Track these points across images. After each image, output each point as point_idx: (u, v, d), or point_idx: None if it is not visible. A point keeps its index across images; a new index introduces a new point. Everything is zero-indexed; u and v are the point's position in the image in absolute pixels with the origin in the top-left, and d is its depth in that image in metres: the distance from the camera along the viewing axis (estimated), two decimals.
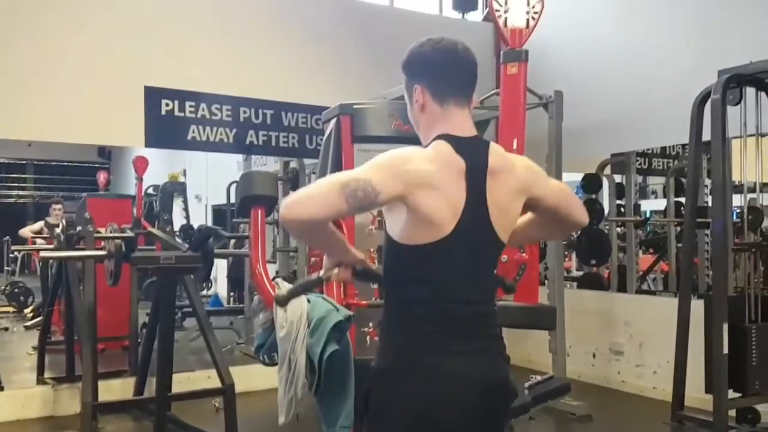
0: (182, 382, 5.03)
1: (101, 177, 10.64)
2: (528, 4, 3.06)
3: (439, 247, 1.64)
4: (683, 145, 8.22)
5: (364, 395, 1.70)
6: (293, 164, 6.60)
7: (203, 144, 5.86)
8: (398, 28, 6.68)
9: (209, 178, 11.39)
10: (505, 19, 3.01)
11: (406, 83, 1.80)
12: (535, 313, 2.93)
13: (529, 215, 1.87)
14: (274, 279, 2.45)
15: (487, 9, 7.40)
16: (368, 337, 2.53)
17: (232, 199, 10.36)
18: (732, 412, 4.43)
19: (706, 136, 4.74)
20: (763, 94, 4.51)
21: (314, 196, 1.54)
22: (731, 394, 4.32)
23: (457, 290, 1.69)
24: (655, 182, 10.35)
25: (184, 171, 11.97)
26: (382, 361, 1.70)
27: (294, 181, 6.46)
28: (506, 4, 3.06)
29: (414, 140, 2.67)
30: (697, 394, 4.73)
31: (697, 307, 4.75)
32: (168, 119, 5.66)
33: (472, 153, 1.69)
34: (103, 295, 4.77)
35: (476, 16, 7.52)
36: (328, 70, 6.33)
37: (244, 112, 6.01)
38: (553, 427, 4.84)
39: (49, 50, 5.31)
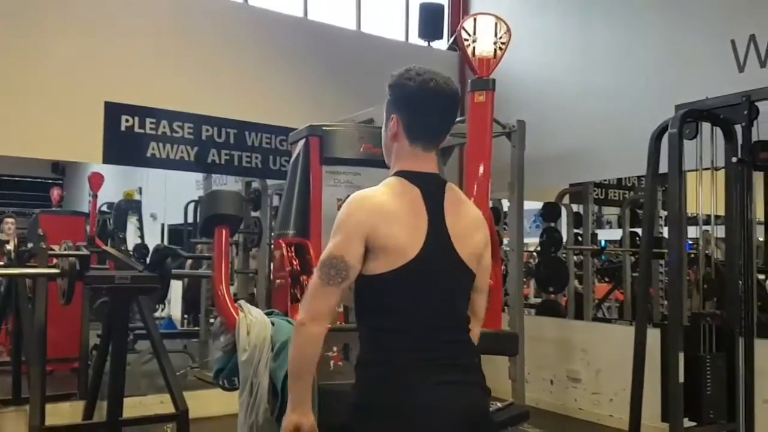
0: (134, 406, 4.88)
1: (54, 193, 10.33)
2: (496, 35, 3.10)
3: (404, 272, 1.64)
4: (639, 177, 8.45)
5: (340, 430, 1.66)
6: (255, 185, 6.52)
7: (163, 162, 5.77)
8: (364, 53, 6.75)
9: (166, 197, 11.21)
10: (473, 48, 3.04)
11: (387, 104, 1.81)
12: (498, 339, 2.94)
13: None
14: (236, 301, 2.39)
15: (453, 38, 7.53)
16: (332, 362, 2.48)
17: (190, 219, 10.24)
18: None
19: (663, 168, 4.88)
20: (718, 129, 4.65)
21: (311, 296, 1.69)
22: (687, 423, 4.38)
23: (426, 318, 1.68)
24: (610, 212, 10.58)
25: (140, 189, 11.76)
26: (358, 395, 1.67)
27: (256, 202, 6.39)
28: (474, 33, 3.09)
29: (382, 163, 2.67)
30: (652, 423, 4.79)
31: (653, 335, 4.83)
32: (127, 136, 5.56)
33: (427, 183, 1.72)
34: (52, 314, 4.59)
35: (441, 44, 7.61)
36: (294, 91, 6.32)
37: (207, 130, 5.94)
38: None
39: (7, 64, 5.18)
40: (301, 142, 2.78)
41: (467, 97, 2.88)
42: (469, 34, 3.07)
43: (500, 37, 3.06)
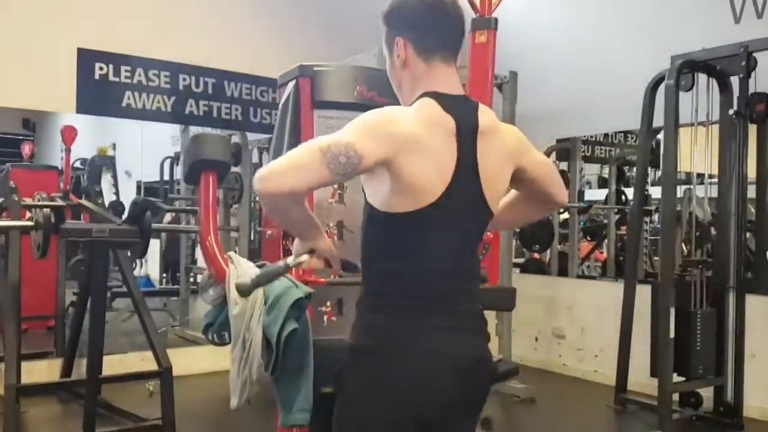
0: (113, 364, 4.75)
1: (26, 148, 9.98)
2: None
3: (425, 214, 1.50)
4: (624, 134, 8.38)
5: (337, 374, 1.54)
6: (235, 138, 6.30)
7: (139, 112, 5.52)
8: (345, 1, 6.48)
9: (141, 154, 10.94)
10: None
11: (387, 35, 1.64)
12: (496, 294, 2.84)
13: (509, 194, 1.76)
14: (226, 252, 2.25)
15: None
16: (325, 317, 2.36)
17: (166, 176, 10.00)
18: (675, 396, 4.49)
19: (656, 122, 4.78)
20: (713, 81, 4.55)
21: (295, 165, 1.39)
22: (675, 377, 4.38)
23: (441, 264, 1.55)
24: (590, 172, 10.48)
25: (114, 145, 11.45)
26: (358, 338, 1.55)
27: (236, 156, 6.18)
28: None
29: (377, 107, 2.50)
30: (637, 378, 4.79)
31: (640, 291, 4.80)
32: (101, 84, 5.29)
33: (462, 112, 1.54)
34: (26, 271, 4.41)
35: None
36: (276, 40, 6.06)
37: (184, 79, 5.68)
38: (499, 410, 4.80)
39: None
40: (291, 84, 2.60)
41: (468, 38, 2.70)
42: None
43: None
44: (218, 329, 2.27)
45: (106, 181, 10.44)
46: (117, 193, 10.23)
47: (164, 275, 10.21)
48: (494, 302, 2.79)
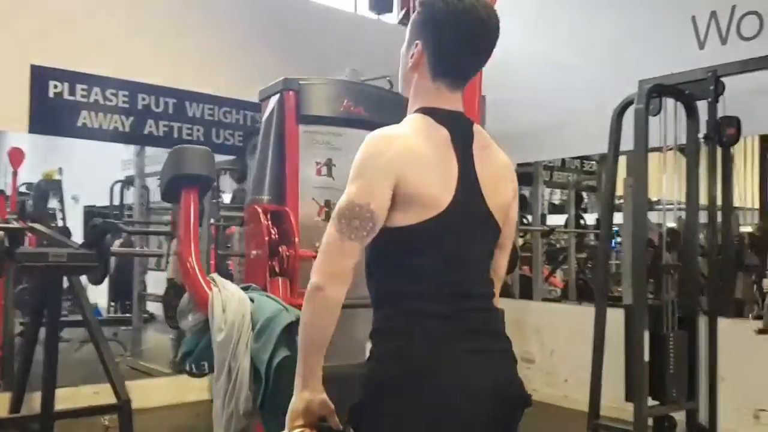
0: (65, 398, 4.43)
1: None
2: None
3: (433, 226, 1.40)
4: (581, 159, 8.50)
5: (352, 410, 1.40)
6: None
7: (96, 132, 5.29)
8: (312, 23, 6.43)
9: (92, 177, 10.58)
10: None
11: (413, 24, 1.56)
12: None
13: None
14: (209, 275, 2.09)
15: (403, 11, 7.29)
16: None
17: (116, 201, 9.68)
18: (650, 421, 4.45)
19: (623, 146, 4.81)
20: (680, 106, 4.60)
21: (327, 254, 1.42)
22: (650, 402, 4.34)
23: (454, 279, 1.45)
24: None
25: (60, 169, 11.05)
26: (378, 369, 1.42)
27: None
28: None
29: (364, 123, 2.40)
30: (611, 403, 4.74)
31: (610, 315, 4.78)
32: (56, 103, 5.06)
33: (455, 123, 1.48)
34: None
35: (391, 18, 7.37)
36: (237, 61, 5.95)
37: (143, 99, 5.49)
38: None
39: None
40: (275, 98, 2.47)
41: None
42: None
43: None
44: (197, 359, 2.09)
45: (52, 206, 10.08)
46: (64, 219, 9.87)
47: (113, 304, 9.82)
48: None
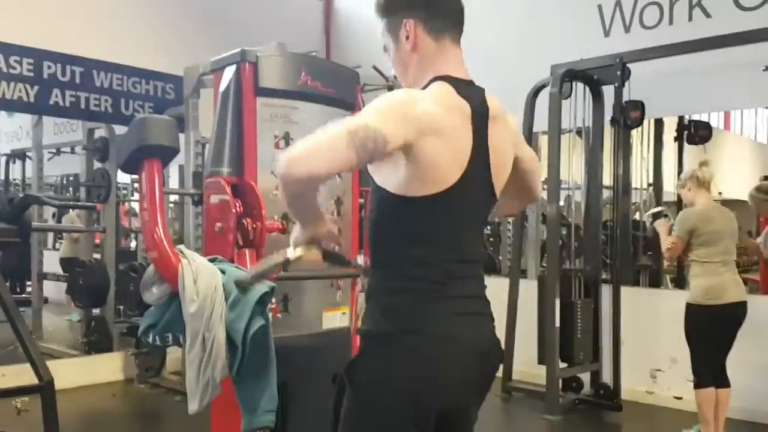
0: None
1: None
2: None
3: (441, 199, 1.47)
4: None
5: (350, 365, 1.48)
6: (101, 132, 5.83)
7: None
8: None
9: None
10: None
11: (389, 22, 1.59)
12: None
13: None
14: (176, 246, 2.07)
15: None
16: (270, 315, 2.24)
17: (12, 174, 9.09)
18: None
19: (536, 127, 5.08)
20: (587, 89, 4.91)
21: (321, 149, 1.35)
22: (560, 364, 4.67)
23: (455, 247, 1.54)
24: None
25: None
26: (377, 323, 1.50)
27: (103, 152, 5.73)
28: None
29: (321, 98, 2.45)
30: (524, 368, 5.06)
31: (524, 287, 5.07)
32: None
33: (475, 98, 1.54)
34: None
35: None
36: (148, 30, 5.73)
37: (49, 67, 5.18)
38: None
39: None
40: (230, 69, 2.45)
41: None
42: None
43: None
44: (161, 330, 2.08)
45: None
46: None
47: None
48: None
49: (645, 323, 4.91)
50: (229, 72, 2.45)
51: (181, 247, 2.08)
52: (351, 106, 2.75)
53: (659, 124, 6.17)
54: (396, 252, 1.52)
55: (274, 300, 2.41)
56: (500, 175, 1.60)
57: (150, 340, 2.11)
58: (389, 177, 1.49)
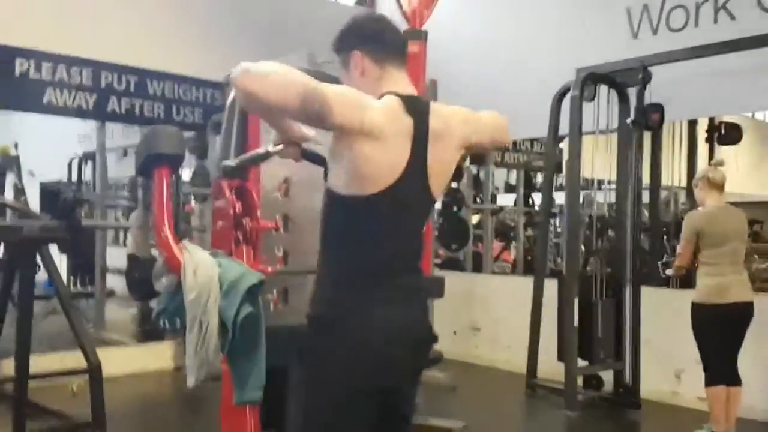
0: (34, 365, 4.65)
1: None
2: None
3: (377, 199, 1.69)
4: (531, 141, 8.89)
5: (300, 347, 1.73)
6: None
7: (61, 109, 5.45)
8: (273, 3, 6.62)
9: (48, 152, 10.54)
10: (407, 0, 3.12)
11: (343, 55, 1.85)
12: (428, 282, 3.07)
13: None
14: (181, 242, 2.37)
15: None
16: (272, 305, 2.51)
17: (74, 176, 9.72)
18: (580, 381, 4.90)
19: (562, 129, 5.18)
20: (614, 92, 4.99)
21: (275, 80, 1.54)
22: (580, 362, 4.78)
23: (390, 243, 1.76)
24: (498, 178, 10.95)
25: (16, 144, 10.99)
26: (320, 309, 1.75)
27: None
28: None
29: None
30: (546, 366, 5.17)
31: (549, 286, 5.18)
32: (23, 81, 5.20)
33: (417, 113, 1.75)
34: None
35: (348, 0, 7.62)
36: (197, 40, 6.11)
37: (106, 77, 5.65)
38: (423, 397, 5.05)
39: None
40: None
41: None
42: None
43: None
44: (170, 316, 2.37)
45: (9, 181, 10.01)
46: (24, 195, 9.83)
47: (72, 277, 9.88)
48: (427, 290, 3.02)
49: (670, 323, 4.93)
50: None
51: (186, 242, 2.37)
52: None
53: (693, 125, 6.15)
54: (338, 246, 1.76)
55: (275, 291, 2.69)
56: (439, 180, 1.81)
57: (161, 323, 2.41)
58: (336, 176, 1.72)
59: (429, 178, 1.77)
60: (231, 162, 1.82)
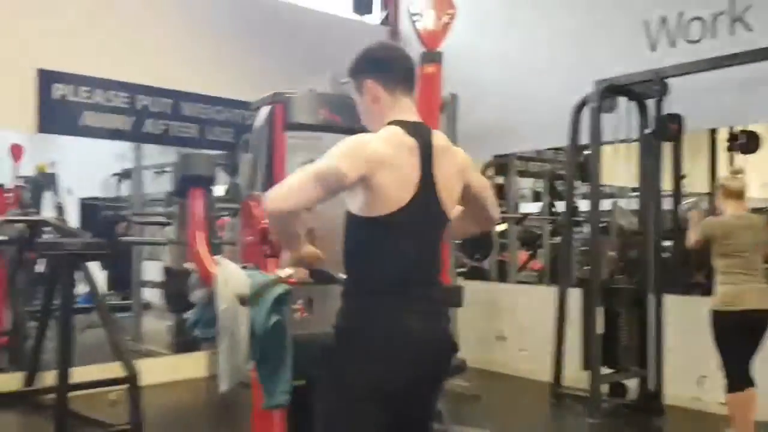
0: (74, 376, 4.87)
1: None
2: (442, 10, 3.32)
3: (394, 218, 1.84)
4: (555, 150, 8.95)
5: (324, 352, 1.87)
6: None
7: (98, 131, 5.71)
8: (299, 25, 6.84)
9: (85, 170, 10.88)
10: (422, 22, 3.26)
11: (356, 80, 2.01)
12: (447, 291, 3.19)
13: (457, 208, 2.10)
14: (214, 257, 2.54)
15: (385, 13, 7.71)
16: (298, 314, 2.67)
17: (111, 194, 10.03)
18: (605, 389, 4.96)
19: (582, 140, 5.27)
20: (633, 103, 5.08)
21: (294, 189, 1.77)
22: (604, 370, 4.85)
23: (408, 257, 1.90)
24: (525, 186, 11.01)
25: (53, 162, 11.36)
26: (343, 321, 1.88)
27: None
28: (422, 9, 3.31)
29: (340, 129, 2.87)
30: (571, 374, 5.24)
31: (573, 295, 5.26)
32: (61, 104, 5.47)
33: (420, 135, 1.92)
34: None
35: (374, 19, 7.80)
36: (227, 62, 6.35)
37: (142, 99, 5.91)
38: (447, 406, 5.15)
39: None
40: (266, 108, 2.92)
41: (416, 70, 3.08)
42: (417, 9, 3.28)
43: (446, 12, 3.29)
44: (204, 326, 2.55)
45: (47, 198, 10.34)
46: (62, 212, 10.16)
47: (109, 291, 10.16)
48: (445, 299, 3.14)
49: (693, 330, 4.96)
50: (264, 110, 2.92)
51: (219, 257, 2.54)
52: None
53: (713, 134, 6.20)
54: (360, 262, 1.91)
55: (300, 301, 2.85)
56: (448, 195, 1.95)
57: (195, 332, 2.59)
58: (355, 202, 1.88)
59: (439, 193, 1.91)
60: (246, 292, 2.01)
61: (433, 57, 3.19)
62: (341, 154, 1.81)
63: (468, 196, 2.05)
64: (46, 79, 5.41)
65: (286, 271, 1.92)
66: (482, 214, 2.14)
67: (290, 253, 1.95)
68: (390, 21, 7.69)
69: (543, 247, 8.35)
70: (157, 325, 8.38)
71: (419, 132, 1.91)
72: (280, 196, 1.78)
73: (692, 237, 3.90)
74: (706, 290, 5.95)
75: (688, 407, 4.95)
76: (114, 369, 4.51)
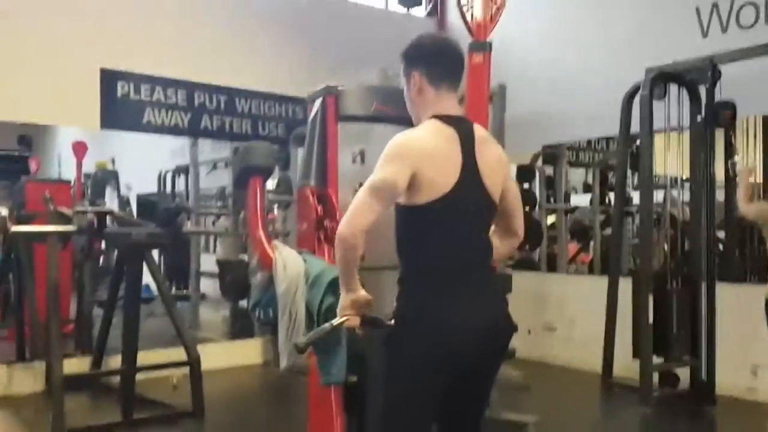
0: (138, 360, 5.10)
1: (33, 164, 10.38)
2: (491, 0, 3.38)
3: (439, 204, 1.92)
4: (606, 140, 8.86)
5: (386, 336, 1.96)
6: None
7: (158, 127, 5.96)
8: (346, 19, 6.97)
9: (143, 166, 11.25)
10: (471, 13, 3.33)
11: (405, 69, 2.10)
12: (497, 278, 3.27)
13: None
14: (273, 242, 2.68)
15: (431, 4, 7.78)
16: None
17: (167, 188, 10.36)
18: (656, 379, 4.94)
19: (633, 129, 5.24)
20: (684, 91, 5.03)
21: (357, 214, 1.87)
22: (655, 359, 4.83)
23: (458, 242, 1.96)
24: (576, 178, 10.91)
25: (113, 159, 11.77)
26: (401, 308, 1.97)
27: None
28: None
29: (390, 119, 2.96)
30: (622, 364, 5.23)
31: (624, 285, 5.23)
32: (123, 102, 5.73)
33: (460, 126, 2.01)
34: (41, 280, 4.72)
35: (420, 11, 7.87)
36: (280, 58, 6.53)
37: (199, 96, 6.13)
38: (498, 396, 5.21)
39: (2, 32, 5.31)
40: (318, 101, 3.04)
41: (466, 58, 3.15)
42: (466, 0, 3.35)
43: (495, 2, 3.34)
44: (264, 307, 2.69)
45: (107, 194, 10.73)
46: (122, 206, 10.53)
47: (167, 283, 10.48)
48: (497, 283, 3.20)
49: (746, 319, 4.91)
50: (317, 103, 3.04)
51: (276, 242, 2.68)
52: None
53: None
54: (411, 249, 1.99)
55: None
56: (492, 181, 2.02)
57: (257, 314, 2.73)
58: (403, 195, 1.97)
59: (484, 179, 1.99)
60: (301, 340, 2.08)
61: (481, 47, 3.25)
62: (387, 162, 1.90)
63: (502, 202, 2.10)
64: (109, 78, 5.66)
65: (339, 319, 1.98)
66: (511, 227, 2.17)
67: (347, 295, 1.97)
68: (437, 12, 7.75)
69: (593, 239, 8.28)
70: (212, 315, 8.67)
71: (459, 124, 2.00)
72: (347, 221, 1.86)
73: (742, 196, 3.85)
74: (762, 277, 5.92)
75: (741, 397, 4.90)
76: (176, 354, 4.74)
